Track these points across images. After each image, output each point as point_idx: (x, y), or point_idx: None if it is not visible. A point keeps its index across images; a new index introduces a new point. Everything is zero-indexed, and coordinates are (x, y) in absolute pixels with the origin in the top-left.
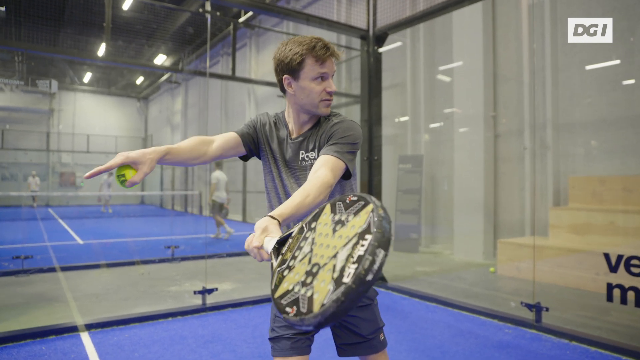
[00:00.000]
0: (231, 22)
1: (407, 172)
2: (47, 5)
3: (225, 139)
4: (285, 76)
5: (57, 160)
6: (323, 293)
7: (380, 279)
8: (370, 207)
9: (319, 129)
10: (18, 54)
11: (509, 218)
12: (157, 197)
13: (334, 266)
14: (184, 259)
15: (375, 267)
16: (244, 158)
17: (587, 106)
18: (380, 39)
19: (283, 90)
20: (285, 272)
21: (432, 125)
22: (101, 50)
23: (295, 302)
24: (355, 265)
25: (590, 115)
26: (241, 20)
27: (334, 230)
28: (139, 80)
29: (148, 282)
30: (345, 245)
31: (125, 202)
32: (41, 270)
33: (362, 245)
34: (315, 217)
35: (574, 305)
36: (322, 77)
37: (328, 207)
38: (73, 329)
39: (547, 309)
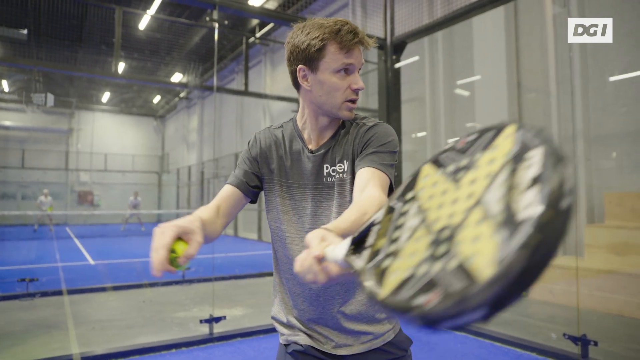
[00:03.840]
0: (244, 36)
1: None
2: (65, 26)
3: (223, 201)
4: (300, 66)
5: (75, 179)
6: (487, 250)
7: None
8: (510, 128)
9: (345, 135)
10: (35, 73)
11: None
12: (174, 216)
13: (486, 212)
14: (195, 280)
15: (568, 187)
16: (252, 201)
17: (621, 117)
18: (398, 49)
19: (296, 85)
20: (387, 262)
21: (452, 140)
22: (115, 67)
23: (431, 286)
24: (534, 190)
25: (625, 127)
26: (258, 35)
27: (456, 181)
28: (156, 99)
29: (154, 307)
30: (490, 183)
31: (142, 221)
32: (45, 294)
33: (528, 167)
34: (409, 187)
35: (622, 336)
36: (347, 70)
37: (427, 167)
38: None
39: (596, 344)
